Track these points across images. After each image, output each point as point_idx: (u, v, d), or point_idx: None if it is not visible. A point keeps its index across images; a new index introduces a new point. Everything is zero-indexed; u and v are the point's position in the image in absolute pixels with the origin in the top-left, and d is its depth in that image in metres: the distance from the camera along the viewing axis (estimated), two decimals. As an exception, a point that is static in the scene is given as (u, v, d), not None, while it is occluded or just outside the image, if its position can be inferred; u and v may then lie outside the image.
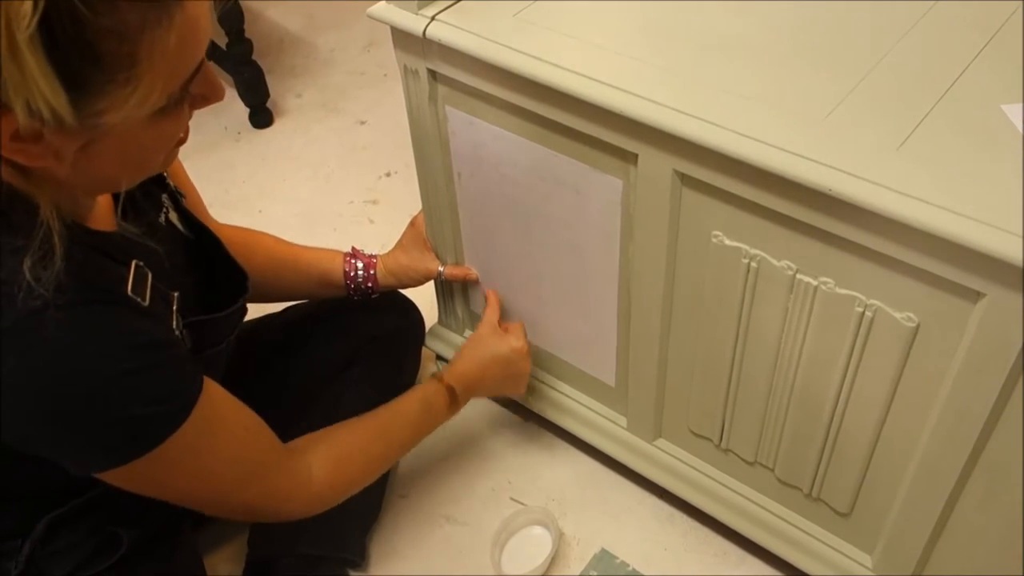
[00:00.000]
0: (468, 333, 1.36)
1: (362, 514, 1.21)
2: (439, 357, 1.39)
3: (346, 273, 1.18)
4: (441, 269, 1.23)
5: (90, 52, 0.59)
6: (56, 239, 0.66)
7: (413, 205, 1.21)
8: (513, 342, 1.17)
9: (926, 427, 0.87)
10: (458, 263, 1.25)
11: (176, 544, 1.05)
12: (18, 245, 0.66)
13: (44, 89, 0.58)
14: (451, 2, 0.99)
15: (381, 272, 1.20)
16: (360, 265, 1.19)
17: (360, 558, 1.18)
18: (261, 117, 1.95)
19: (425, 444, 1.33)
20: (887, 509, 0.97)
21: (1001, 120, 0.81)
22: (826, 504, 1.04)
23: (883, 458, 0.94)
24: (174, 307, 0.82)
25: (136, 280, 0.76)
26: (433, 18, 0.97)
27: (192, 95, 0.70)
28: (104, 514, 0.92)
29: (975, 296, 0.76)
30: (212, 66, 0.71)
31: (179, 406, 0.77)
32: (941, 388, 0.83)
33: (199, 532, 1.17)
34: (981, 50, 0.89)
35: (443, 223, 1.21)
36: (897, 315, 0.82)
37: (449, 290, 1.31)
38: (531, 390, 1.29)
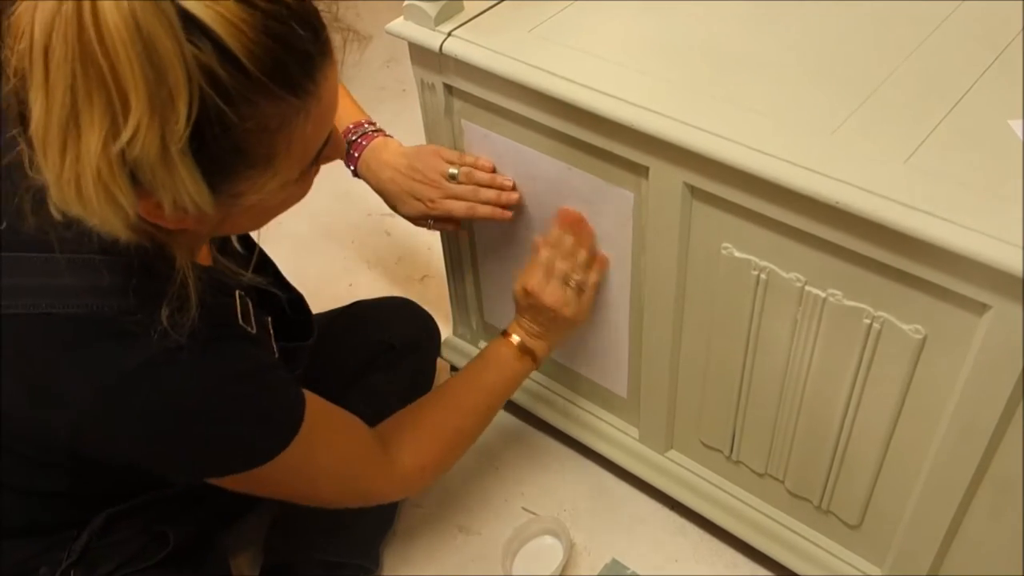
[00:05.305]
0: (483, 344, 1.37)
1: (377, 523, 1.22)
2: (454, 368, 1.41)
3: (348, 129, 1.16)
4: (454, 171, 1.06)
5: (235, 151, 0.63)
6: (192, 289, 0.71)
7: (429, 217, 1.23)
8: (523, 282, 1.04)
9: (934, 439, 0.87)
10: (476, 282, 1.22)
11: (208, 547, 1.07)
12: (156, 291, 0.70)
13: (191, 190, 0.62)
14: (467, 18, 1.01)
15: (367, 156, 1.14)
16: (365, 124, 1.16)
17: (375, 566, 1.19)
18: (282, 131, 1.97)
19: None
20: (897, 521, 0.98)
21: (1008, 135, 0.82)
22: (836, 516, 1.05)
23: (892, 470, 0.94)
24: (271, 331, 0.87)
25: (243, 310, 0.81)
26: (450, 34, 0.99)
27: (319, 158, 0.73)
28: (157, 513, 0.96)
29: (981, 308, 0.76)
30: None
31: (291, 422, 0.82)
32: (948, 400, 0.84)
33: (226, 534, 1.20)
34: (989, 66, 0.90)
35: (460, 236, 1.23)
36: (904, 327, 0.83)
37: (463, 300, 1.32)
38: (544, 402, 1.30)
